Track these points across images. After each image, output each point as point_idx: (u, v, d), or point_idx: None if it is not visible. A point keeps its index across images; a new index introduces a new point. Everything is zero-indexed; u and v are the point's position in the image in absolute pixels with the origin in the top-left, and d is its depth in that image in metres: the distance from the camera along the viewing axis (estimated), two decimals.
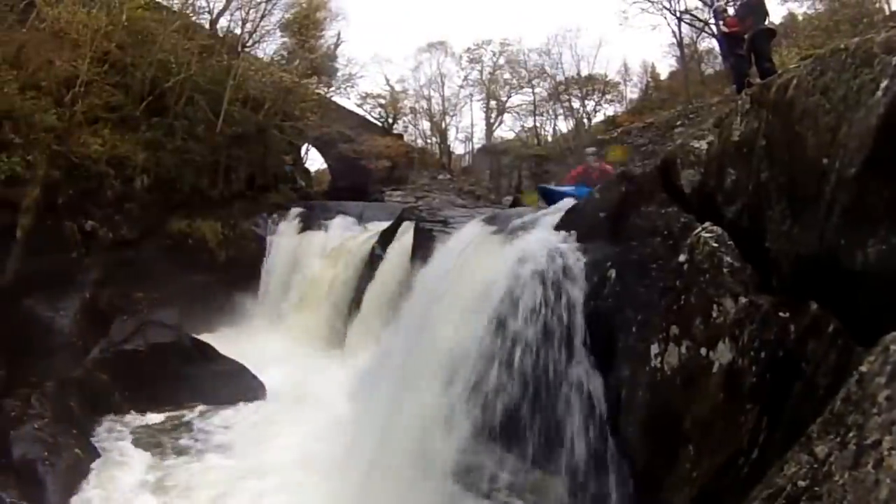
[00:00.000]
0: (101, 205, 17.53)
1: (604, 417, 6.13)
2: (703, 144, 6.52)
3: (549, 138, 43.61)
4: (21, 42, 16.80)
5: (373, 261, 16.90)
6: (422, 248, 13.98)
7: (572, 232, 7.36)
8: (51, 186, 15.78)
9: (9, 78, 15.69)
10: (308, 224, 21.36)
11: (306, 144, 34.92)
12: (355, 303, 16.64)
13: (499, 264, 7.39)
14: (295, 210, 22.59)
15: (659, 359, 5.54)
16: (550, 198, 13.19)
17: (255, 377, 14.53)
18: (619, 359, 6.18)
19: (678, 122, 25.13)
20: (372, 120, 40.30)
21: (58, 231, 15.97)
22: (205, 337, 15.77)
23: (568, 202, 9.00)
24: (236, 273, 19.59)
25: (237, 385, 14.29)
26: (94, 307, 15.35)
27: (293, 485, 10.16)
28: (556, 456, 6.26)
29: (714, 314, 5.10)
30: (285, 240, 21.03)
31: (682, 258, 5.66)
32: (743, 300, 4.96)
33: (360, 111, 39.93)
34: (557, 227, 7.64)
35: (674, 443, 5.23)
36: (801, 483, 3.43)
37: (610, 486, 5.93)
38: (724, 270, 5.18)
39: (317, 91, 30.38)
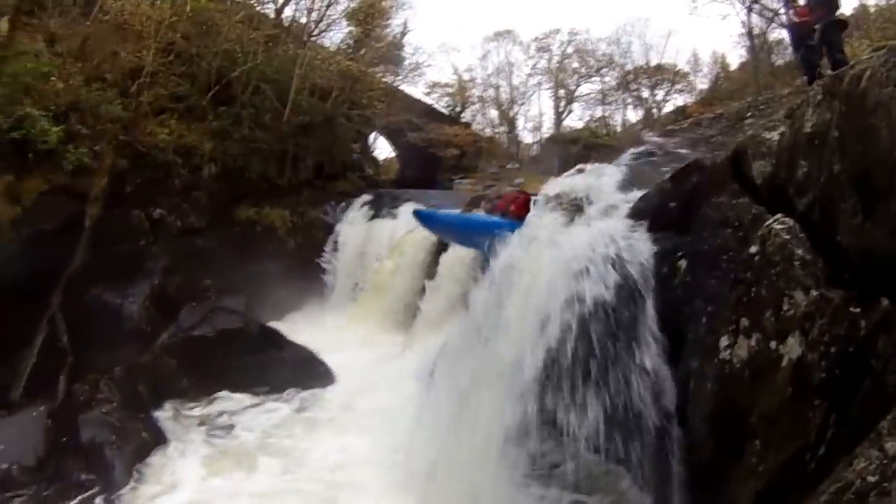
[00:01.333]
0: (169, 193, 17.60)
1: (671, 408, 6.08)
2: (775, 135, 6.41)
3: (619, 128, 42.87)
4: (85, 35, 16.94)
5: (441, 249, 16.63)
6: None
7: (643, 221, 7.33)
8: (118, 176, 15.91)
9: (74, 70, 15.84)
10: (376, 212, 21.21)
11: (374, 133, 34.88)
12: (422, 290, 16.42)
13: (571, 252, 7.27)
14: (363, 198, 22.43)
15: (728, 351, 5.45)
16: (429, 223, 12.56)
17: (322, 363, 14.44)
18: (688, 350, 6.12)
19: (748, 114, 24.27)
20: (440, 109, 40.10)
21: (125, 220, 16.07)
22: (273, 324, 15.77)
23: None
24: (305, 260, 19.54)
25: (304, 371, 14.19)
26: (162, 294, 15.35)
27: (356, 475, 10.11)
28: (622, 446, 6.24)
29: (784, 307, 5.03)
30: (353, 228, 20.89)
31: (752, 250, 5.56)
32: (814, 294, 4.90)
33: (427, 100, 39.82)
34: (630, 216, 7.61)
35: (740, 436, 5.18)
36: (871, 479, 3.46)
37: (674, 478, 5.89)
38: (796, 263, 5.11)
39: (384, 80, 30.29)
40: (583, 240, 7.32)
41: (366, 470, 10.14)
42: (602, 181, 10.07)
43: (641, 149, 12.01)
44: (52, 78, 15.05)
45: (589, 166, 10.90)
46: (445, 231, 12.91)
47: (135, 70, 17.53)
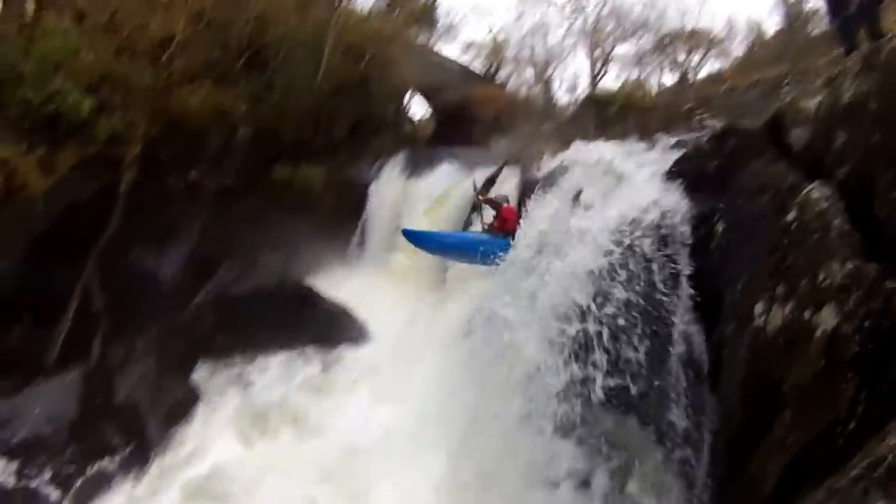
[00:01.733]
0: (204, 157, 17.26)
1: (703, 374, 6.00)
2: (813, 104, 6.17)
3: (654, 91, 41.80)
4: (114, 8, 16.64)
5: (477, 207, 16.04)
6: (526, 195, 13.22)
7: (681, 182, 7.10)
8: (152, 143, 15.54)
9: (104, 42, 15.60)
10: (412, 170, 20.51)
11: (409, 93, 34.36)
12: None
13: (607, 209, 7.21)
14: (399, 157, 21.78)
15: (762, 318, 5.26)
16: (420, 242, 12.14)
17: (356, 321, 14.33)
18: (723, 315, 5.95)
19: (785, 82, 23.49)
20: (474, 69, 39.40)
21: (161, 184, 15.75)
22: (308, 282, 15.56)
23: None
24: (340, 219, 19.14)
25: (340, 328, 14.09)
26: (198, 256, 15.10)
27: (392, 429, 10.03)
28: (653, 408, 6.23)
29: (820, 277, 4.83)
30: (390, 186, 20.30)
31: (790, 217, 5.39)
32: (850, 265, 4.67)
33: (462, 60, 39.12)
34: (668, 176, 7.37)
35: (771, 406, 5.00)
36: None
37: (703, 446, 5.81)
38: (833, 233, 4.89)
39: (418, 40, 29.68)
40: (621, 198, 7.22)
41: (397, 430, 10.02)
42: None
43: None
44: (82, 52, 14.80)
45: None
46: (436, 249, 12.51)
47: (165, 39, 17.12)
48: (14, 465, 9.10)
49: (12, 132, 13.15)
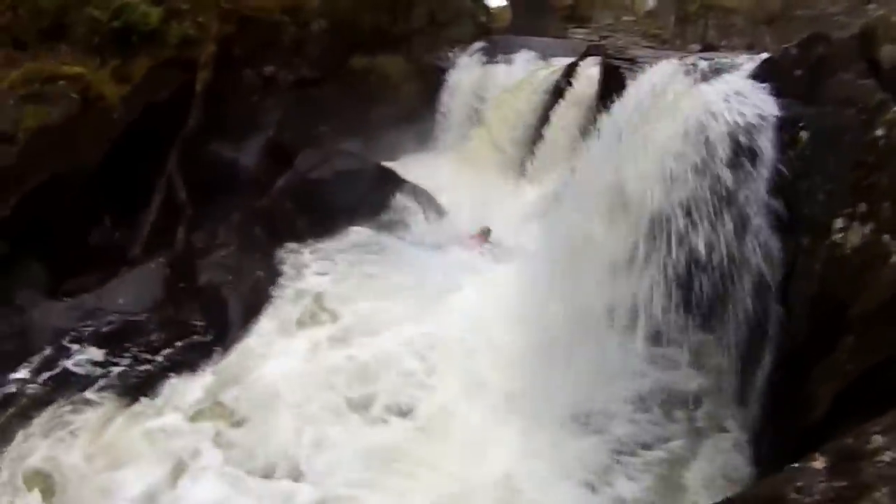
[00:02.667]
0: (280, 50, 16.54)
1: (773, 283, 5.77)
2: None
3: None
4: None
5: (557, 95, 15.30)
6: (609, 85, 12.71)
7: (767, 84, 6.60)
8: (226, 42, 14.86)
9: None
10: (490, 58, 19.39)
11: None
12: (537, 135, 15.36)
13: (690, 107, 6.71)
14: (477, 45, 20.49)
15: (841, 234, 5.12)
16: None
17: (437, 202, 13.85)
18: (800, 226, 5.77)
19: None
20: None
21: (237, 79, 15.18)
22: (388, 166, 14.84)
23: None
24: (419, 106, 18.24)
25: (419, 209, 13.59)
26: (277, 144, 14.57)
27: (471, 310, 9.78)
28: (720, 314, 6.11)
29: None
30: (467, 73, 19.23)
31: (878, 133, 5.18)
32: None
33: None
34: (753, 76, 6.86)
35: (835, 328, 4.88)
36: None
37: (764, 358, 5.65)
38: None
39: None
40: (709, 93, 6.70)
41: (476, 317, 9.65)
42: None
43: None
44: None
45: None
46: None
47: None
48: (103, 352, 8.77)
49: (83, 49, 12.79)
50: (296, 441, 7.48)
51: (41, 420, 7.69)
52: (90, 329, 9.13)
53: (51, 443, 7.41)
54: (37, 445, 7.36)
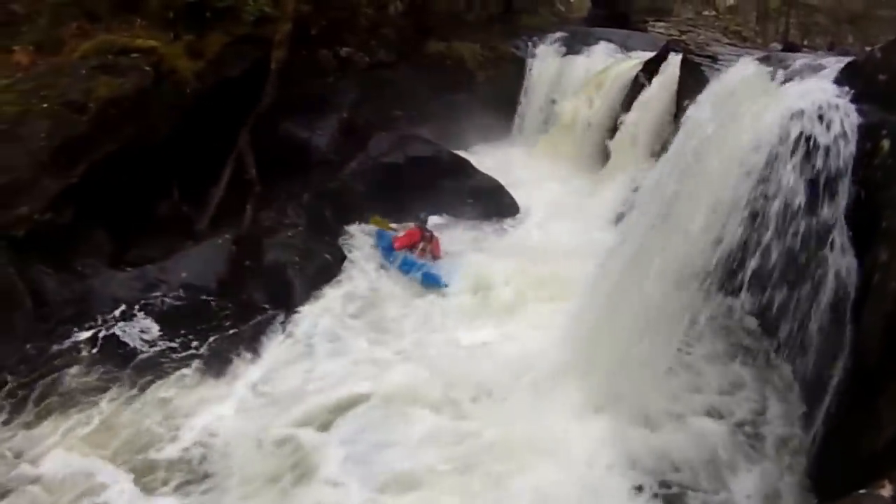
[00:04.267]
0: (356, 32, 16.37)
1: (848, 300, 5.44)
2: None
3: None
4: None
5: (636, 89, 14.74)
6: (689, 82, 12.10)
7: (849, 89, 6.18)
8: (302, 20, 14.54)
9: None
10: (569, 48, 18.81)
11: None
12: (614, 129, 14.80)
13: (770, 110, 6.34)
14: (555, 34, 19.89)
15: None
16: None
17: (509, 194, 13.44)
18: (879, 240, 5.42)
19: None
20: None
21: (312, 59, 15.00)
22: (462, 154, 14.55)
23: None
24: (494, 94, 17.74)
25: (491, 201, 13.27)
26: (350, 126, 14.24)
27: (544, 299, 9.54)
28: (790, 326, 5.79)
29: None
30: (546, 63, 18.70)
31: None
32: None
33: None
34: (836, 80, 6.45)
35: None
36: None
37: (833, 377, 5.42)
38: None
39: None
40: (791, 97, 6.30)
41: (540, 310, 9.34)
42: None
43: None
44: None
45: None
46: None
47: None
48: (162, 325, 8.55)
49: (156, 23, 12.65)
50: None
51: (90, 388, 7.53)
52: (151, 301, 8.91)
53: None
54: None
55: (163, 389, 7.65)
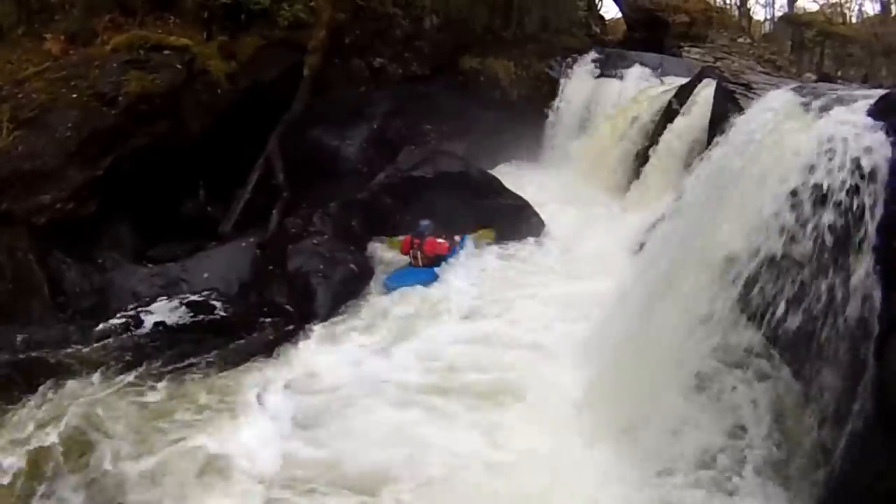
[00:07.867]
0: (390, 43, 16.32)
1: (872, 336, 5.14)
2: None
3: (854, 19, 37.61)
4: None
5: (668, 115, 14.53)
6: (722, 109, 11.84)
7: (883, 123, 5.76)
8: (337, 29, 14.61)
9: None
10: (603, 71, 18.71)
11: None
12: (645, 155, 14.55)
13: (802, 143, 6.19)
14: (590, 55, 19.76)
15: None
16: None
17: (536, 214, 13.11)
18: None
19: None
20: None
21: (346, 68, 15.06)
22: (492, 172, 14.20)
23: None
24: (526, 112, 17.57)
25: (518, 219, 12.94)
26: (381, 137, 14.28)
27: (545, 339, 8.89)
28: (808, 360, 5.68)
29: None
30: (579, 84, 18.57)
31: None
32: None
33: None
34: (869, 113, 6.04)
35: None
36: None
37: (852, 415, 5.17)
38: None
39: None
40: (825, 130, 6.05)
41: (558, 333, 8.96)
42: None
43: None
44: None
45: None
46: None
47: None
48: (180, 323, 8.37)
49: (191, 22, 12.76)
50: None
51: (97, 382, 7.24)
52: (170, 298, 8.78)
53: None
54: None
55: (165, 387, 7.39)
